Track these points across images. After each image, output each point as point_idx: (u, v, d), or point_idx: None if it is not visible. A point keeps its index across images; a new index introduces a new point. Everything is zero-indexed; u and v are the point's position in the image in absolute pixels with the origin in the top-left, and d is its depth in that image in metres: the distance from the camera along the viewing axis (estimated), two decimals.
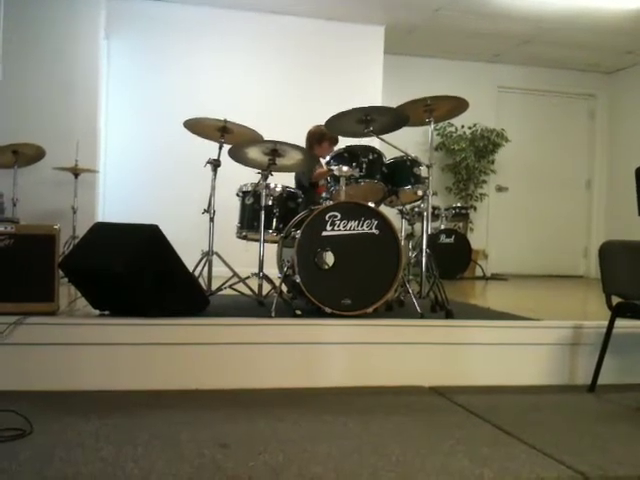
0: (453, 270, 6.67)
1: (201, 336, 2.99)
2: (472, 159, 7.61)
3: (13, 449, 2.05)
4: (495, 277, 7.39)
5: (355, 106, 3.57)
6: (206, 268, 3.96)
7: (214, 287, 3.90)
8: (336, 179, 3.58)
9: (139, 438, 2.20)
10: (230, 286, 3.88)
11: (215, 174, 4.02)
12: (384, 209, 3.67)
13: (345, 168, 3.52)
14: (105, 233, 3.26)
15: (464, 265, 6.88)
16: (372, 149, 3.74)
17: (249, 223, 4.01)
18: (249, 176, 4.06)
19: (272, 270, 3.80)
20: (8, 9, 5.53)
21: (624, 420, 2.72)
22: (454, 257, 6.73)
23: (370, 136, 3.70)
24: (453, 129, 7.64)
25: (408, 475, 1.96)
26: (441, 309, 3.53)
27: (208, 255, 3.97)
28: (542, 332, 3.34)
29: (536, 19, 6.39)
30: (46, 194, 5.54)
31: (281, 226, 3.90)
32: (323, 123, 3.78)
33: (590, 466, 2.08)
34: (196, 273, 3.82)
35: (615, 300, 3.07)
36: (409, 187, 3.77)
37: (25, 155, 5.18)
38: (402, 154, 3.81)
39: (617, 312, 3.06)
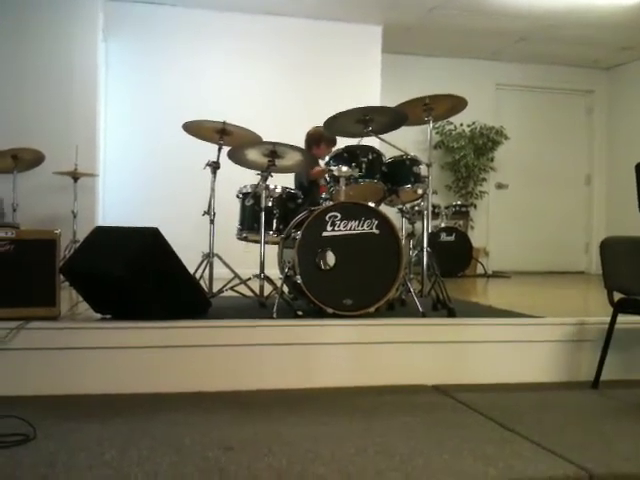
0: (454, 268, 6.66)
1: (203, 338, 2.99)
2: (471, 157, 7.60)
3: (17, 454, 2.05)
4: (497, 274, 7.39)
5: (354, 106, 3.57)
6: (207, 270, 3.96)
7: (215, 289, 3.90)
8: (336, 179, 3.57)
9: (143, 442, 2.20)
10: (231, 288, 3.88)
11: (215, 176, 4.02)
12: (384, 208, 3.67)
13: (345, 168, 3.52)
14: (106, 237, 3.26)
15: (465, 263, 6.88)
16: (371, 149, 3.74)
17: (249, 224, 4.01)
18: (249, 178, 4.06)
19: (273, 271, 3.79)
20: (4, 12, 5.54)
21: (628, 416, 2.72)
22: (455, 255, 6.72)
23: (369, 136, 3.70)
24: (452, 127, 7.63)
25: (412, 475, 1.96)
26: (443, 307, 3.53)
27: (209, 257, 3.97)
28: (544, 329, 3.34)
29: (533, 16, 6.39)
30: (46, 199, 5.53)
31: (281, 227, 3.90)
32: (322, 123, 3.78)
33: (595, 463, 2.08)
34: (197, 275, 3.82)
35: (617, 296, 3.07)
36: (409, 186, 3.76)
37: (24, 160, 5.18)
38: (401, 153, 3.81)
39: (619, 308, 3.05)
